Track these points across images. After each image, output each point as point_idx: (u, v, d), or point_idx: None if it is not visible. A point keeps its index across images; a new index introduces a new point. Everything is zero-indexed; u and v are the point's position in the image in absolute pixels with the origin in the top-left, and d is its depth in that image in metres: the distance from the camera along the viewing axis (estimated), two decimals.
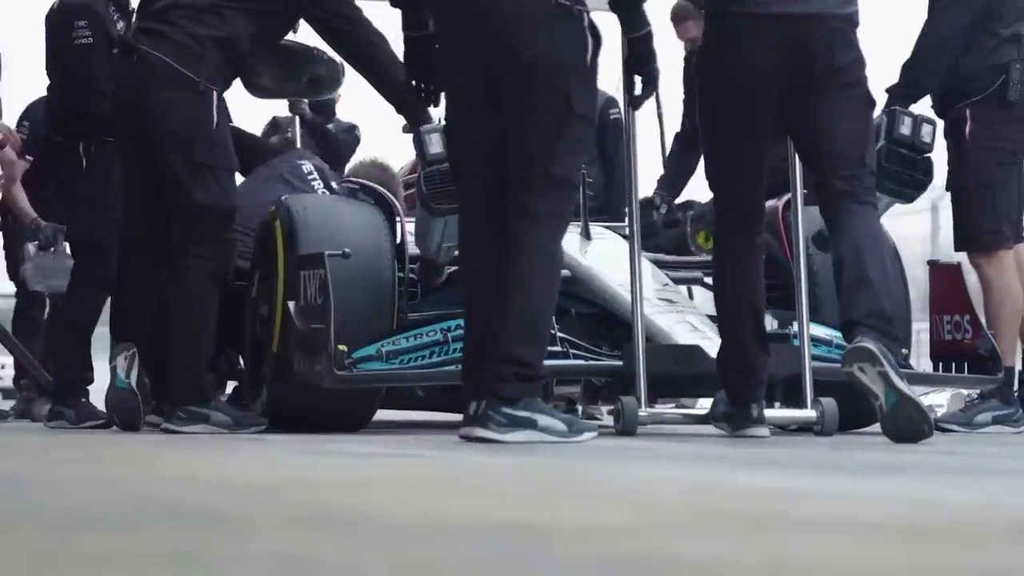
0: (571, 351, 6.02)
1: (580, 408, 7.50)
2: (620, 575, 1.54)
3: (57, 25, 7.26)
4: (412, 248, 6.42)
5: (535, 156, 5.02)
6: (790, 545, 1.91)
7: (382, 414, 7.81)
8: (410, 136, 6.11)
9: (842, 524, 2.22)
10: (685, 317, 6.24)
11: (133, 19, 6.73)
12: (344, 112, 8.21)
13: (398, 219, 6.36)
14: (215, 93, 5.97)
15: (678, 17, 7.70)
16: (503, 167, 5.09)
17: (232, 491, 2.88)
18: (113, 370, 6.42)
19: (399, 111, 6.07)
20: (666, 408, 6.21)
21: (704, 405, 7.56)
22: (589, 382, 6.48)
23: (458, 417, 5.88)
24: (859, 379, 5.02)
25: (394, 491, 2.95)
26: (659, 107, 7.61)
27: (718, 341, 5.95)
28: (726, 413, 5.59)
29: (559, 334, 6.01)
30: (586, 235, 6.36)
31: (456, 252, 5.96)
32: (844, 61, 5.37)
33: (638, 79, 5.22)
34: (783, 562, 1.70)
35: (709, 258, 7.09)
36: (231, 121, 6.66)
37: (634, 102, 5.32)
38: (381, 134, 6.88)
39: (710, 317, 6.19)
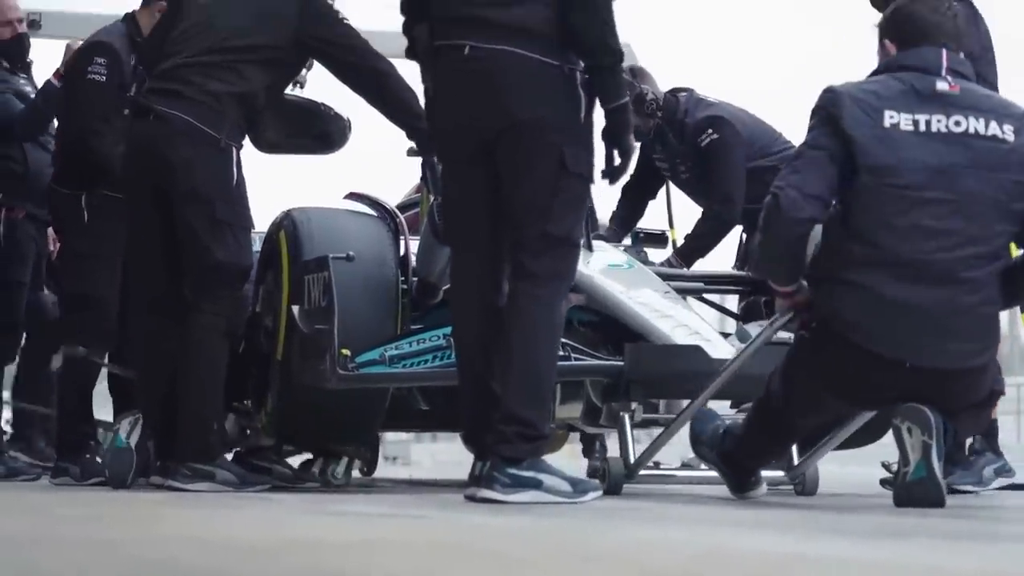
0: (572, 355, 6.03)
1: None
2: None
3: (76, 59, 7.27)
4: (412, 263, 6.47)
5: (532, 216, 5.03)
6: None
7: (384, 470, 7.81)
8: (413, 158, 6.18)
9: None
10: (683, 322, 6.28)
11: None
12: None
13: (402, 231, 6.43)
14: (234, 149, 6.00)
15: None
16: (499, 227, 5.12)
17: (235, 553, 2.88)
18: (116, 432, 6.43)
19: (410, 137, 6.06)
20: (651, 471, 6.20)
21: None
22: (589, 401, 6.44)
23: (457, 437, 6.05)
24: (901, 435, 4.91)
25: (397, 555, 2.96)
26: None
27: (718, 343, 6.10)
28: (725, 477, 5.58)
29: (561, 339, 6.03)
30: (588, 247, 6.45)
31: None
32: None
33: (615, 151, 5.14)
34: None
35: (708, 271, 7.27)
36: None
37: (612, 174, 5.22)
38: (385, 157, 6.86)
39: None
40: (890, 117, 4.87)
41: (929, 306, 4.88)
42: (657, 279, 6.61)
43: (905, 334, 4.89)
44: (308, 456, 7.07)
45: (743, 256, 7.43)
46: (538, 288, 5.05)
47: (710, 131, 7.59)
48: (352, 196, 6.98)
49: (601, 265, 6.47)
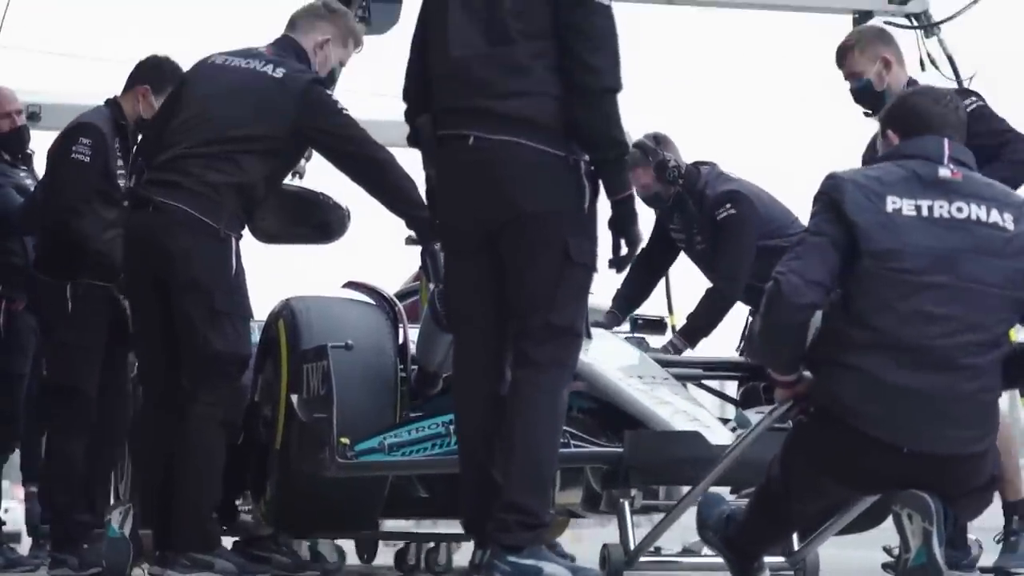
0: (572, 441, 6.02)
1: None
2: None
3: (61, 140, 7.31)
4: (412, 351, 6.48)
5: (535, 305, 5.04)
6: None
7: (385, 556, 7.79)
8: (411, 247, 6.15)
9: None
10: (682, 408, 6.31)
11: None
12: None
13: (400, 319, 6.44)
14: (233, 239, 6.00)
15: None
16: (502, 316, 5.14)
17: None
18: (108, 523, 6.43)
19: (409, 226, 6.04)
20: (651, 557, 6.21)
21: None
22: (589, 487, 6.48)
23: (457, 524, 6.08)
24: (901, 521, 4.88)
25: None
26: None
27: (717, 429, 6.14)
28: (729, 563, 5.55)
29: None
30: (587, 334, 6.49)
31: None
32: None
33: (622, 241, 5.17)
34: None
35: (707, 357, 7.28)
36: None
37: (619, 264, 5.26)
38: (383, 245, 6.92)
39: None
40: (892, 203, 4.86)
41: (929, 392, 4.85)
42: (656, 365, 6.64)
43: (904, 419, 4.87)
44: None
45: (747, 339, 7.45)
46: (541, 376, 5.05)
47: (728, 205, 7.61)
48: (350, 285, 7.02)
49: (599, 351, 6.45)
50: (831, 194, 4.91)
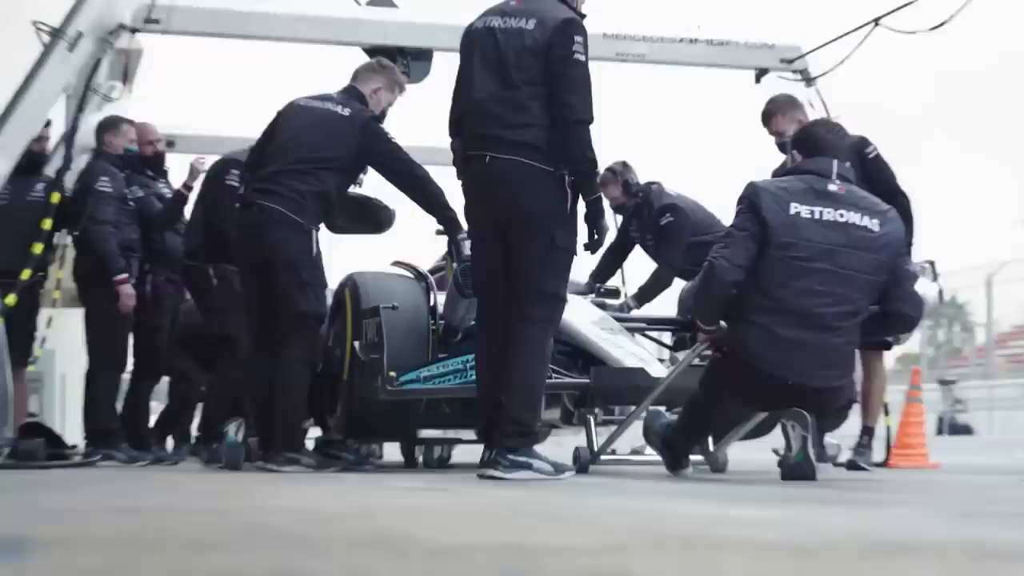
0: (554, 375, 5.97)
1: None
2: None
3: (217, 169, 7.32)
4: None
5: (530, 278, 5.05)
6: (712, 560, 1.90)
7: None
8: (441, 237, 6.13)
9: (751, 544, 2.20)
10: (632, 351, 6.33)
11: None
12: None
13: (431, 288, 6.48)
14: (315, 231, 6.01)
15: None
16: (508, 285, 5.10)
17: (313, 519, 2.85)
18: (225, 433, 6.44)
19: (440, 223, 6.03)
20: (609, 456, 6.22)
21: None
22: (565, 407, 6.46)
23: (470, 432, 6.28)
24: (787, 430, 5.01)
25: (428, 519, 2.93)
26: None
27: (655, 365, 6.26)
28: (664, 458, 5.60)
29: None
30: (595, 289, 6.54)
31: (471, 322, 6.07)
32: None
33: (594, 230, 5.17)
34: (709, 575, 1.68)
35: (650, 315, 7.39)
36: None
37: (592, 247, 5.27)
38: (419, 235, 6.95)
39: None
40: (794, 208, 4.92)
41: (809, 343, 4.93)
42: (613, 320, 6.64)
43: (791, 362, 4.93)
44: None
45: (682, 301, 7.46)
46: (534, 327, 5.05)
47: (668, 215, 7.72)
48: (396, 263, 7.00)
49: (570, 308, 6.45)
50: (751, 199, 4.96)
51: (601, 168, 6.30)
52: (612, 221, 8.81)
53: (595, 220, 5.17)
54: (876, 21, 7.80)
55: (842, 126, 5.63)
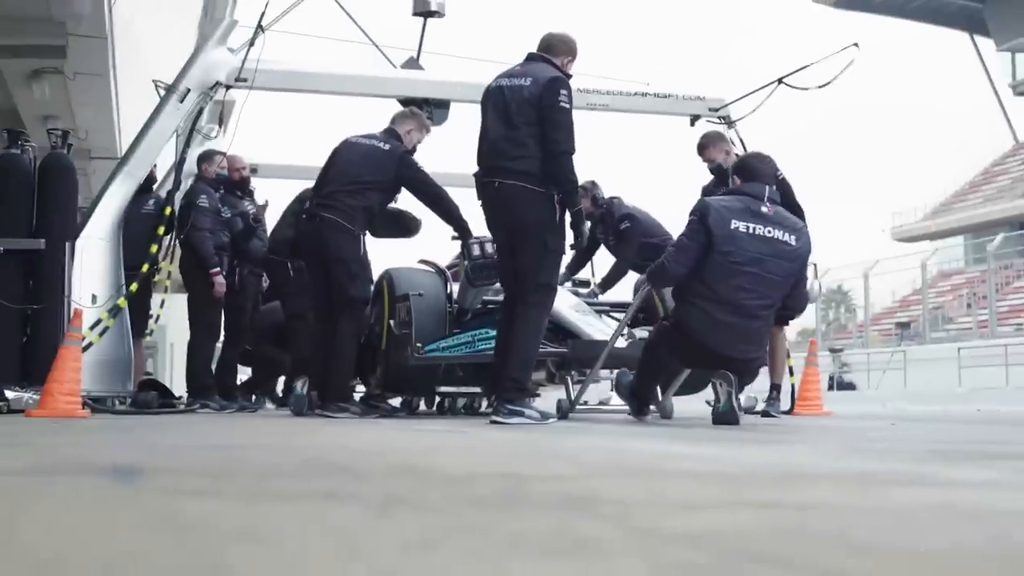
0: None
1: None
2: (568, 505, 1.51)
3: (299, 196, 7.30)
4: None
5: (528, 272, 5.04)
6: (664, 486, 1.87)
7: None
8: (456, 241, 6.10)
9: (691, 472, 2.17)
10: (599, 328, 6.31)
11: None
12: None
13: (448, 280, 6.46)
14: (362, 236, 5.98)
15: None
16: (516, 278, 5.13)
17: (359, 454, 2.83)
18: (293, 387, 6.44)
19: (456, 230, 6.03)
20: (583, 407, 6.26)
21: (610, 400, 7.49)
22: (549, 370, 6.41)
23: (476, 389, 6.45)
24: (716, 386, 5.04)
25: (446, 454, 2.90)
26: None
27: (618, 339, 6.09)
28: (631, 405, 5.58)
29: None
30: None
31: (479, 305, 6.32)
32: None
33: (577, 234, 5.23)
34: (660, 497, 1.66)
35: (612, 300, 7.31)
36: None
37: (576, 246, 5.49)
38: (437, 239, 6.93)
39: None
40: (734, 223, 4.92)
41: (737, 326, 4.93)
42: (585, 304, 6.59)
43: (722, 340, 4.93)
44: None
45: (635, 290, 7.42)
46: (530, 310, 5.04)
47: (625, 222, 7.62)
48: (422, 261, 6.97)
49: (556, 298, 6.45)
50: (702, 212, 4.97)
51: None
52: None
53: (578, 227, 5.22)
54: (780, 80, 7.81)
55: (770, 157, 5.58)
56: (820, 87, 7.62)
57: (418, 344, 6.04)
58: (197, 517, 1.33)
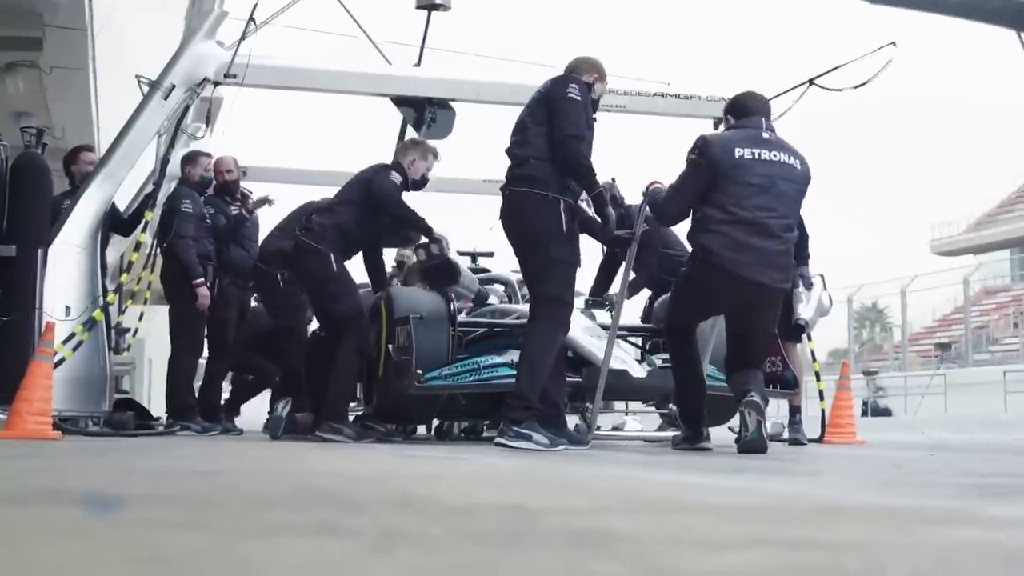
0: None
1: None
2: (580, 541, 1.51)
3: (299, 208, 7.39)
4: (461, 316, 6.47)
5: (533, 284, 5.10)
6: (684, 521, 1.87)
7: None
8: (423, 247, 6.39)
9: (714, 506, 2.17)
10: (616, 355, 6.14)
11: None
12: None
13: (450, 301, 6.37)
14: (331, 255, 6.12)
15: None
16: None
17: (354, 482, 2.83)
18: (274, 409, 6.60)
19: (426, 236, 6.28)
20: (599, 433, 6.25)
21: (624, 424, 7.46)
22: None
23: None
24: (744, 415, 5.08)
25: (447, 482, 2.90)
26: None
27: (635, 366, 6.22)
28: (684, 436, 5.53)
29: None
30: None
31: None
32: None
33: (603, 219, 5.33)
34: (681, 533, 1.66)
35: (629, 324, 7.10)
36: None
37: (604, 232, 5.58)
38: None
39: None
40: (738, 152, 5.15)
41: (762, 248, 5.09)
42: (600, 329, 6.49)
43: (747, 262, 5.07)
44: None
45: (646, 315, 7.39)
46: (537, 324, 5.10)
47: (645, 225, 7.55)
48: (422, 282, 6.93)
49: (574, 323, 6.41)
50: (703, 150, 5.17)
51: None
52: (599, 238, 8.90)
53: (601, 209, 5.30)
54: (811, 81, 7.81)
55: (763, 95, 5.68)
56: (855, 88, 7.61)
57: (419, 371, 5.94)
58: (181, 552, 1.34)
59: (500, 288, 7.54)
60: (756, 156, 5.11)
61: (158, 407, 8.79)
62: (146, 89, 7.27)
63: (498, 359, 6.13)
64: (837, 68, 7.74)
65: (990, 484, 3.15)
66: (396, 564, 1.26)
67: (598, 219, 5.48)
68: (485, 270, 7.74)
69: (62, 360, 6.30)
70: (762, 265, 5.06)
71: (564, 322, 5.24)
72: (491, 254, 8.11)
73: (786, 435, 6.94)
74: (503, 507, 2.06)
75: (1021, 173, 43.64)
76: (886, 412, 21.52)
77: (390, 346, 6.37)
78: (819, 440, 7.25)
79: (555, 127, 5.08)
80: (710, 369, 6.05)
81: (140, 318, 9.77)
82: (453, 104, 7.88)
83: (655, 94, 8.23)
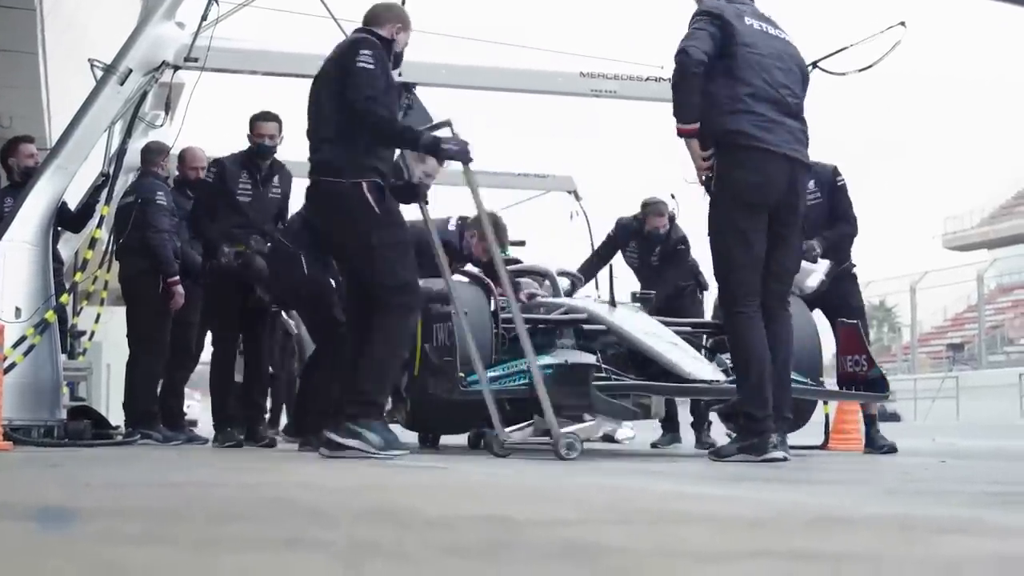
0: (612, 376, 5.82)
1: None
2: (567, 555, 1.51)
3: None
4: (504, 313, 6.01)
5: (367, 277, 5.02)
6: (678, 533, 1.88)
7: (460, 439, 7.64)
8: None
9: (711, 516, 2.19)
10: (691, 353, 6.01)
11: None
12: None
13: (492, 294, 6.08)
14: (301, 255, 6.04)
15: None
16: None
17: (326, 492, 2.83)
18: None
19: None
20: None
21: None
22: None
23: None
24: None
25: (423, 493, 2.91)
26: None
27: (697, 364, 5.84)
28: (749, 444, 4.93)
29: (603, 364, 5.91)
30: (612, 304, 6.32)
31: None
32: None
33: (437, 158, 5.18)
34: (675, 545, 1.67)
35: (690, 320, 7.13)
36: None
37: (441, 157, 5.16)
38: None
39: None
40: (748, 20, 5.16)
41: (788, 125, 5.06)
42: (661, 325, 6.31)
43: (781, 138, 5.01)
44: None
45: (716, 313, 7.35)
46: (386, 314, 4.93)
47: (683, 245, 8.19)
48: (459, 272, 6.57)
49: (621, 316, 6.20)
50: (711, 11, 5.08)
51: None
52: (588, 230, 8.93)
53: (434, 152, 5.01)
54: (814, 64, 7.82)
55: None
56: (860, 71, 7.64)
57: (462, 374, 5.55)
58: (141, 568, 1.34)
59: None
60: (762, 29, 5.13)
61: (116, 415, 8.76)
62: (100, 74, 7.20)
63: (548, 359, 5.82)
64: (842, 50, 7.77)
65: (1003, 492, 3.18)
66: None
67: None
68: (517, 260, 7.33)
69: (13, 365, 6.29)
70: (793, 141, 5.06)
71: (413, 308, 5.04)
72: (522, 243, 7.93)
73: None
74: (485, 518, 2.07)
75: None
76: (894, 417, 21.62)
77: (427, 346, 6.00)
78: (822, 447, 7.28)
79: (350, 100, 4.88)
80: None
81: (96, 320, 9.72)
82: (432, 88, 7.87)
83: (648, 78, 8.25)
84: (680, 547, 1.65)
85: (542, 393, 4.85)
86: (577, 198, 11.27)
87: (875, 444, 6.83)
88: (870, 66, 7.52)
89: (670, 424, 8.21)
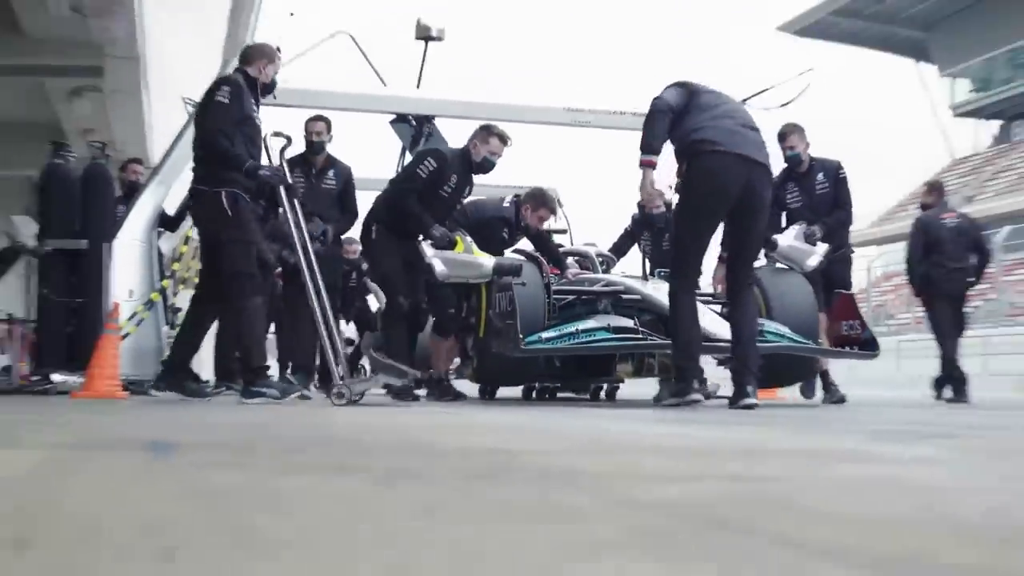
0: (648, 336, 5.54)
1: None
2: (551, 477, 1.51)
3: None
4: (556, 285, 5.81)
5: (221, 268, 5.03)
6: (637, 460, 1.88)
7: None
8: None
9: (664, 448, 2.18)
10: (709, 318, 5.66)
11: None
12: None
13: (544, 269, 5.88)
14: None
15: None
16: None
17: (364, 431, 2.82)
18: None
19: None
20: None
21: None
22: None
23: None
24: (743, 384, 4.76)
25: (441, 431, 2.90)
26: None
27: (719, 325, 5.41)
28: (678, 389, 4.81)
29: (640, 328, 5.63)
30: (645, 278, 6.16)
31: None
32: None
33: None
34: (635, 471, 1.67)
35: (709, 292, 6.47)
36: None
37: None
38: None
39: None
40: (706, 89, 4.90)
41: (746, 135, 4.77)
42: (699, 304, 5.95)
43: (741, 142, 4.72)
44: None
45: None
46: (230, 301, 5.07)
47: None
48: (515, 251, 6.35)
49: (653, 288, 5.93)
50: (679, 80, 4.96)
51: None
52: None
53: (253, 176, 4.88)
54: (743, 101, 7.80)
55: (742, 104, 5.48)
56: (781, 107, 7.63)
57: (520, 335, 5.25)
58: (224, 487, 1.34)
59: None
60: (719, 93, 4.95)
61: (206, 371, 8.73)
62: (191, 109, 7.21)
63: (593, 323, 5.55)
64: (766, 90, 7.75)
65: (893, 431, 3.18)
66: (398, 495, 1.26)
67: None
68: (559, 245, 6.90)
69: (127, 334, 6.33)
70: (753, 147, 4.74)
71: (251, 292, 4.96)
72: (564, 231, 7.70)
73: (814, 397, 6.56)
74: (489, 450, 2.07)
75: (912, 182, 43.96)
76: None
77: (490, 311, 5.68)
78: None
79: (204, 129, 4.90)
80: (784, 330, 5.54)
81: (190, 300, 9.72)
82: (448, 119, 7.81)
83: (615, 112, 8.20)
84: (639, 471, 1.65)
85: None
86: (560, 204, 11.11)
87: (831, 393, 6.60)
88: (788, 103, 7.52)
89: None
